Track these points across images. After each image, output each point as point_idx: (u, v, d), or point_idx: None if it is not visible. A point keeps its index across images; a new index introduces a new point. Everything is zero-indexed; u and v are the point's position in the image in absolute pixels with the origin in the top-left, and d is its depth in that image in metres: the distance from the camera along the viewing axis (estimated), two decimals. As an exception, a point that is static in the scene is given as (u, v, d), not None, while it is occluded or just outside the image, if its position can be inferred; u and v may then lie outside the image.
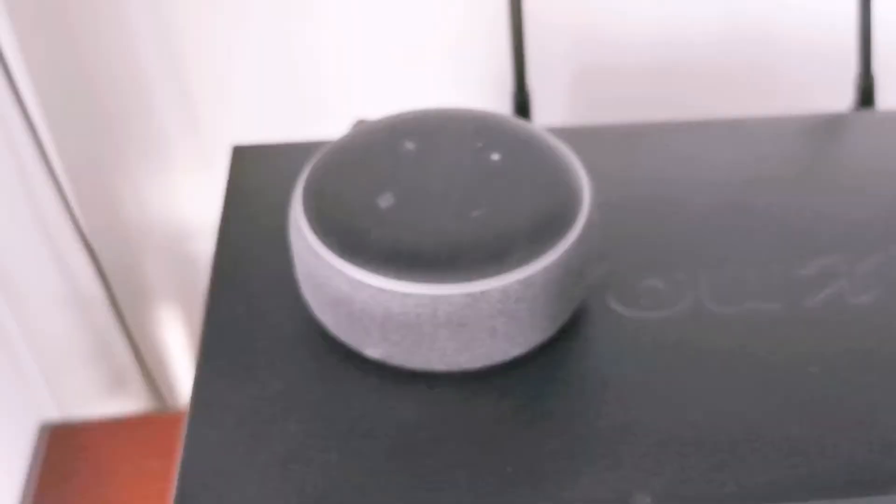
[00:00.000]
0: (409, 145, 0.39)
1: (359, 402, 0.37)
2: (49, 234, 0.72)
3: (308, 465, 0.35)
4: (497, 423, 0.36)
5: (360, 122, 0.43)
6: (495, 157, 0.39)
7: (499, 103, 0.54)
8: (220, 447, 0.36)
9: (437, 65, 0.68)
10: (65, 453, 0.74)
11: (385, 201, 0.37)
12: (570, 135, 0.41)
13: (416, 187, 0.37)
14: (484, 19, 0.65)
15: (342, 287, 0.35)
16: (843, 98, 0.56)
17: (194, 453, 0.36)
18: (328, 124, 0.46)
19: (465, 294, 0.34)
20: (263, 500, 0.34)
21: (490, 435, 0.36)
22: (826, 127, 0.51)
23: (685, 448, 0.35)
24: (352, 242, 0.36)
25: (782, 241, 0.43)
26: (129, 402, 0.84)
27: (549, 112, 0.65)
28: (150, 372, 0.81)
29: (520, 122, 0.42)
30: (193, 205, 0.76)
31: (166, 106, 0.71)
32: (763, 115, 0.51)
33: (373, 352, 0.37)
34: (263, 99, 0.71)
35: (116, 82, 0.69)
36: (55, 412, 0.79)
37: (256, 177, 0.48)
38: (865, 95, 0.55)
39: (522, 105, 0.56)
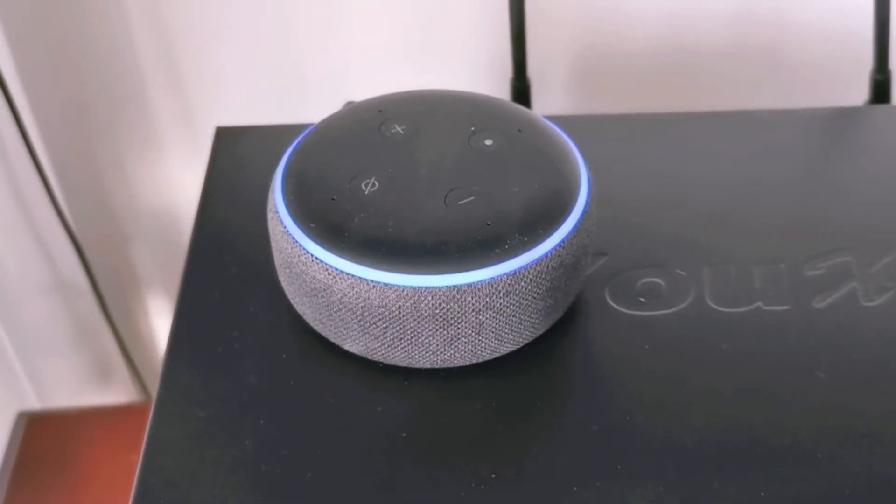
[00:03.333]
0: (397, 128, 0.37)
1: (336, 399, 0.35)
2: (31, 220, 0.70)
3: (279, 463, 0.33)
4: (482, 425, 0.34)
5: (350, 104, 0.41)
6: (488, 142, 0.36)
7: (497, 92, 0.52)
8: (185, 442, 0.34)
9: (433, 51, 0.66)
10: (43, 442, 0.72)
11: (368, 186, 0.35)
12: (571, 124, 0.39)
13: (403, 172, 0.35)
14: (483, 2, 0.63)
15: (319, 276, 0.33)
16: (857, 93, 0.54)
17: (157, 448, 0.33)
18: (322, 111, 0.44)
19: (449, 286, 0.32)
20: (231, 498, 0.32)
21: (474, 437, 0.34)
22: (838, 121, 0.49)
23: (683, 455, 0.33)
24: (331, 229, 0.33)
25: (791, 238, 0.41)
26: (113, 393, 0.82)
27: (549, 101, 0.63)
28: (134, 363, 0.79)
29: (516, 107, 0.39)
30: (181, 192, 0.74)
31: (155, 90, 0.69)
32: (773, 107, 0.49)
33: (352, 346, 0.35)
34: (256, 84, 0.69)
35: (102, 65, 0.67)
36: (36, 402, 0.77)
37: (240, 159, 0.46)
38: (880, 91, 0.52)
39: (521, 93, 0.54)
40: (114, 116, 0.70)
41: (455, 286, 0.32)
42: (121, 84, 0.68)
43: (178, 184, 0.74)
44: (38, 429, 0.74)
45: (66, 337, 0.78)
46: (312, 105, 0.66)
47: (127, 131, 0.71)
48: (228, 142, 0.47)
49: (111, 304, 0.75)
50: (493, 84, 0.63)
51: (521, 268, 0.32)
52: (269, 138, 0.46)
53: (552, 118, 0.39)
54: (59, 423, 0.75)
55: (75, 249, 0.70)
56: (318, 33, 0.66)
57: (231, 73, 0.68)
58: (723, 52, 0.65)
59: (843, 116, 0.49)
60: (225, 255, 0.41)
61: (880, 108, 0.52)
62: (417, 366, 0.34)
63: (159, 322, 0.83)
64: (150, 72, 0.68)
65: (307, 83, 0.69)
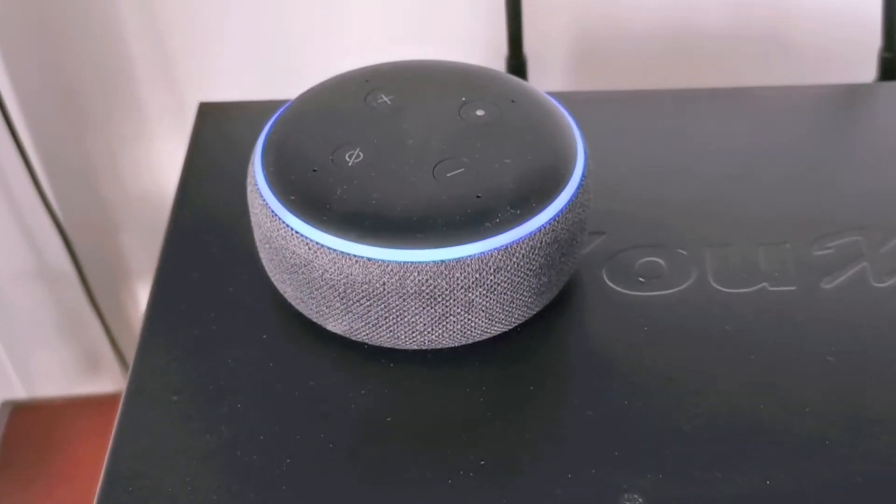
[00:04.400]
0: (384, 98, 0.35)
1: (317, 382, 0.33)
2: (17, 207, 0.68)
3: (257, 449, 0.31)
4: (472, 410, 0.32)
5: (337, 78, 0.39)
6: (480, 112, 0.35)
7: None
8: (158, 427, 0.32)
9: (427, 27, 0.64)
10: (29, 432, 0.71)
11: (352, 158, 0.33)
12: (568, 99, 0.37)
13: (389, 143, 0.33)
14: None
15: (300, 251, 0.31)
16: (864, 71, 0.52)
17: (128, 433, 0.32)
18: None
19: (437, 261, 0.30)
20: (204, 487, 0.30)
21: (463, 423, 0.32)
22: (846, 98, 0.47)
23: (683, 442, 0.31)
24: (312, 202, 0.32)
25: (798, 217, 0.39)
26: (100, 383, 0.81)
27: (546, 78, 0.61)
28: (122, 352, 0.77)
29: (509, 77, 0.38)
30: (170, 179, 0.72)
31: (144, 72, 0.67)
32: (778, 84, 0.47)
33: (335, 325, 0.33)
34: (249, 70, 0.67)
35: (89, 45, 0.65)
36: (22, 391, 0.75)
37: (223, 135, 0.45)
38: (889, 69, 0.51)
39: (517, 70, 0.53)
40: (101, 101, 0.69)
41: (442, 261, 0.30)
42: (109, 69, 0.67)
43: (166, 170, 0.72)
44: (23, 418, 0.72)
45: (53, 326, 0.76)
46: (304, 87, 0.64)
47: (115, 117, 0.69)
48: (212, 118, 0.45)
49: (99, 292, 0.73)
50: (489, 62, 0.61)
51: (512, 242, 0.31)
52: (254, 114, 0.44)
53: (549, 93, 0.37)
54: (45, 413, 0.73)
55: (62, 237, 0.68)
56: (311, 13, 0.64)
57: (223, 59, 0.67)
58: (726, 31, 0.63)
59: (851, 94, 0.48)
60: (205, 234, 0.39)
61: (889, 85, 0.50)
62: (403, 346, 0.33)
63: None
64: (139, 57, 0.66)
65: (301, 68, 0.67)
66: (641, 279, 0.36)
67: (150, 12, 0.64)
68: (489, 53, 0.60)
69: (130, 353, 0.78)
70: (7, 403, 0.71)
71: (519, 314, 0.33)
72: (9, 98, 0.62)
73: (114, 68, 0.67)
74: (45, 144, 0.69)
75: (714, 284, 0.36)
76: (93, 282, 0.72)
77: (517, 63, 0.53)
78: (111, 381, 0.81)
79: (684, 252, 0.37)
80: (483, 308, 0.32)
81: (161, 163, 0.72)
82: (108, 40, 0.65)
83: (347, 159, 0.33)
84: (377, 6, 0.63)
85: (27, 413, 0.73)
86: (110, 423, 0.73)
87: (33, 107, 0.67)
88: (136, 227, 0.76)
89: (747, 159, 0.42)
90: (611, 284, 0.36)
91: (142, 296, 0.80)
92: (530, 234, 0.31)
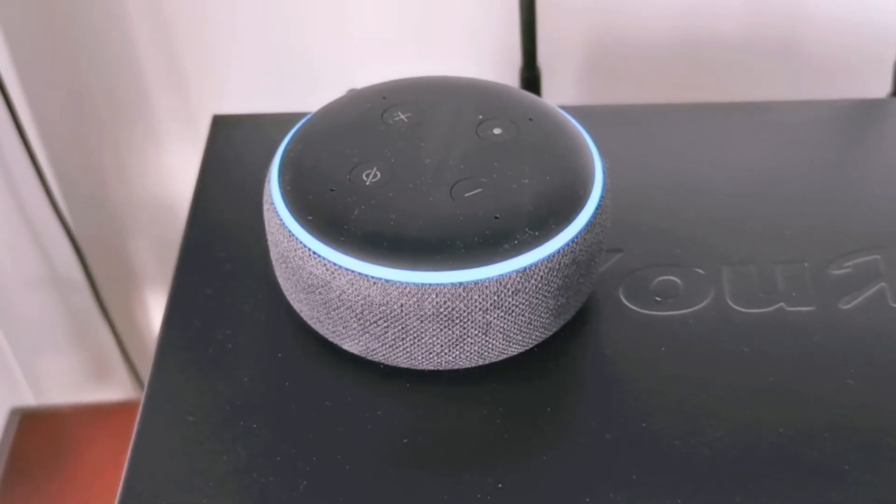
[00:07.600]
0: (401, 115, 0.35)
1: (334, 402, 0.33)
2: (27, 214, 0.68)
3: (273, 471, 0.31)
4: (488, 432, 0.32)
5: (353, 92, 0.39)
6: (497, 131, 0.35)
7: (505, 81, 0.50)
8: (173, 449, 0.32)
9: (440, 38, 0.64)
10: (37, 440, 0.70)
11: (370, 177, 0.33)
12: (583, 114, 0.37)
13: (406, 162, 0.33)
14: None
15: (317, 272, 0.31)
16: (879, 85, 0.52)
17: (144, 455, 0.32)
18: (326, 100, 0.42)
19: (455, 283, 0.30)
20: (221, 509, 0.30)
21: (480, 444, 0.32)
22: (862, 113, 0.47)
23: (702, 465, 0.31)
24: (329, 221, 0.31)
25: (815, 236, 0.39)
26: (110, 391, 0.81)
27: (560, 91, 0.61)
28: (131, 360, 0.77)
29: (527, 95, 0.37)
30: (180, 186, 0.72)
31: (154, 81, 0.67)
32: (793, 98, 0.47)
33: (351, 346, 0.33)
34: (259, 77, 0.67)
35: (100, 49, 0.65)
36: (31, 398, 0.75)
37: (237, 148, 0.44)
38: (905, 83, 0.51)
39: (531, 82, 0.53)
40: (112, 108, 0.69)
41: (461, 283, 0.30)
42: (119, 75, 0.67)
43: (176, 177, 0.72)
44: (32, 426, 0.72)
45: (63, 333, 0.76)
46: (317, 97, 0.64)
47: (125, 123, 0.69)
48: (225, 130, 0.45)
49: (108, 299, 0.73)
50: (502, 74, 0.61)
51: (531, 264, 0.31)
52: (268, 127, 0.44)
53: (564, 108, 0.37)
54: (54, 420, 0.73)
55: (71, 244, 0.68)
56: (323, 23, 0.64)
57: (233, 65, 0.67)
58: (739, 42, 0.63)
59: (866, 109, 0.47)
60: (219, 250, 0.39)
61: (906, 100, 0.50)
62: (420, 367, 0.32)
63: (158, 318, 0.81)
64: (149, 63, 0.66)
65: (312, 74, 0.67)
66: (658, 298, 0.36)
67: (161, 21, 0.64)
68: (502, 64, 0.60)
69: (140, 361, 0.78)
70: (16, 410, 0.71)
71: (536, 335, 0.33)
72: (20, 106, 0.62)
73: (124, 76, 0.66)
74: (55, 153, 0.69)
75: (731, 304, 0.36)
76: (102, 289, 0.72)
77: (531, 74, 0.52)
78: (120, 388, 0.81)
79: (701, 271, 0.37)
80: (500, 330, 0.31)
81: (171, 170, 0.72)
82: (118, 48, 0.65)
83: (365, 178, 0.33)
84: (390, 15, 0.63)
85: (36, 420, 0.72)
86: (119, 430, 0.73)
87: (44, 115, 0.67)
88: (145, 235, 0.76)
89: (764, 176, 0.42)
90: (627, 304, 0.36)
91: (151, 303, 0.80)
92: (549, 256, 0.31)
